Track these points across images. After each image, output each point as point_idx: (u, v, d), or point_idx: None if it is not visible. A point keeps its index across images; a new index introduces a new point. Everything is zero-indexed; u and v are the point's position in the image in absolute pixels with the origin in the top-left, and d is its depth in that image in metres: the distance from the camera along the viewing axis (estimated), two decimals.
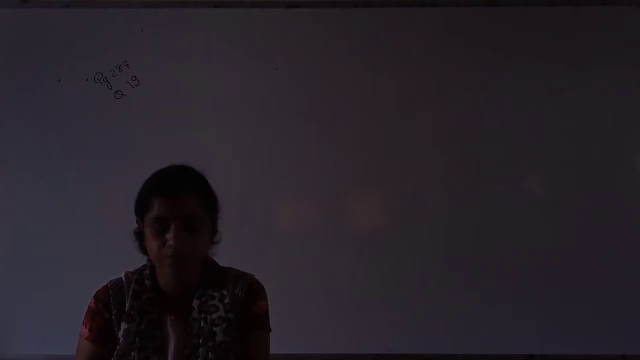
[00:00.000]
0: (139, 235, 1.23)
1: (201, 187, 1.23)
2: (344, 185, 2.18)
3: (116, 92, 2.19)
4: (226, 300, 1.22)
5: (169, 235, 1.15)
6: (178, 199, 1.17)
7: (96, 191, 2.12)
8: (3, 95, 2.21)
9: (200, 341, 1.18)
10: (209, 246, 1.26)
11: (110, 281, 1.28)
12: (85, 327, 1.24)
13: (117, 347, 1.18)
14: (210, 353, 1.17)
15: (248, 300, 1.25)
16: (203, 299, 1.22)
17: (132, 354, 1.17)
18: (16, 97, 2.20)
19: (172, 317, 1.22)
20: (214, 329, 1.18)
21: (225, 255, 2.21)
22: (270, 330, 1.29)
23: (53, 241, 2.13)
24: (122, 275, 1.28)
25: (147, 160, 2.16)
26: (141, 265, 1.29)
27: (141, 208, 1.21)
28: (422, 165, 2.18)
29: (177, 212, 1.16)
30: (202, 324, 1.19)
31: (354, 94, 2.19)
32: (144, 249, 1.23)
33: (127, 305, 1.21)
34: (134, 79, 2.19)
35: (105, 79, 2.19)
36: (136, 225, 1.25)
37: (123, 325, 1.19)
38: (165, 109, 2.18)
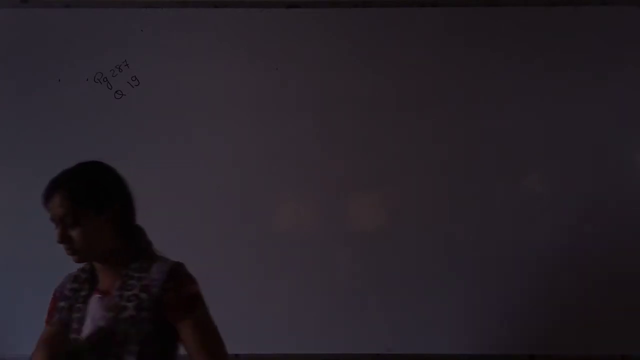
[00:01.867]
0: None
1: (70, 186, 1.33)
2: (344, 185, 2.18)
3: (116, 92, 2.19)
4: (144, 282, 1.32)
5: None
6: (49, 203, 1.33)
7: None
8: (3, 95, 2.21)
9: (112, 314, 1.31)
10: (103, 236, 1.34)
11: None
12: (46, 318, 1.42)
13: (52, 321, 1.37)
14: (118, 325, 1.29)
15: (170, 285, 1.33)
16: (124, 278, 1.34)
17: None
18: (16, 97, 2.20)
19: (99, 295, 1.36)
20: (127, 304, 1.31)
21: (225, 255, 2.22)
22: (204, 310, 1.36)
23: (53, 241, 2.12)
24: None
25: (147, 160, 2.19)
26: None
27: None
28: (422, 165, 2.18)
29: (52, 214, 1.33)
30: (117, 300, 1.31)
31: (354, 94, 2.19)
32: None
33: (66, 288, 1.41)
34: (134, 79, 2.20)
35: (105, 79, 2.19)
36: None
37: (60, 304, 1.39)
38: (165, 109, 2.19)
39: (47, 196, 1.34)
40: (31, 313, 2.13)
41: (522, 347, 2.14)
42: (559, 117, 2.18)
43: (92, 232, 1.33)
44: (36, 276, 2.14)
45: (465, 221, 2.16)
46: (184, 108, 2.18)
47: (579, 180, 2.17)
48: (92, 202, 1.33)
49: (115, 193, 1.38)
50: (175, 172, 2.17)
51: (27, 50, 2.22)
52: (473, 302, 2.13)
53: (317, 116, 2.19)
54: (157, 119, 2.18)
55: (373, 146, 2.18)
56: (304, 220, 2.19)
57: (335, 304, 2.14)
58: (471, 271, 2.14)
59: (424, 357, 2.13)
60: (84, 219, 1.32)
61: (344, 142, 2.19)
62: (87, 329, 1.33)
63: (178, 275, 1.36)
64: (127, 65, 2.20)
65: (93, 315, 1.34)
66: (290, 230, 2.18)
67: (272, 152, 2.18)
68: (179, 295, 1.33)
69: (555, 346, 2.13)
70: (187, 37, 2.20)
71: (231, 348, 2.13)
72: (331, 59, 2.20)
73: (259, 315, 2.11)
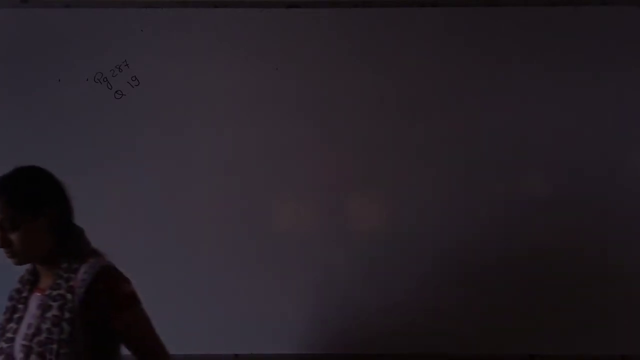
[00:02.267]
0: None
1: (8, 192, 1.37)
2: (344, 185, 2.18)
3: (116, 92, 2.19)
4: (70, 283, 1.36)
5: None
6: None
7: (96, 191, 2.12)
8: (3, 95, 2.21)
9: (39, 312, 1.36)
10: (41, 239, 1.39)
11: None
12: None
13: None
14: (43, 324, 1.34)
15: (100, 286, 1.37)
16: (55, 278, 1.39)
17: (9, 325, 1.41)
18: (16, 97, 2.20)
19: (38, 294, 1.41)
20: (52, 303, 1.35)
21: (225, 255, 2.21)
22: (140, 309, 1.41)
23: None
24: None
25: (147, 160, 2.19)
26: None
27: None
28: (422, 165, 2.18)
29: None
30: (46, 299, 1.37)
31: (354, 94, 2.19)
32: None
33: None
34: (134, 79, 2.19)
35: (105, 79, 2.19)
36: None
37: (7, 304, 1.45)
38: (165, 109, 2.19)
39: None
40: None
41: (522, 347, 2.14)
42: (559, 117, 2.18)
43: (30, 235, 1.37)
44: None
45: (464, 221, 2.16)
46: (184, 108, 2.19)
47: (578, 181, 2.17)
48: (30, 207, 1.37)
49: (52, 197, 1.43)
50: (175, 172, 2.17)
51: (27, 50, 2.22)
52: (473, 301, 2.13)
53: (317, 116, 2.19)
54: (157, 119, 2.19)
55: (373, 146, 2.18)
56: (304, 220, 2.19)
57: (335, 304, 2.14)
58: (471, 271, 2.14)
59: (424, 357, 2.14)
60: (22, 223, 1.36)
61: (344, 142, 2.19)
62: (24, 328, 1.38)
63: (108, 276, 1.39)
64: (127, 65, 2.20)
65: (29, 314, 1.40)
66: (290, 230, 2.18)
67: (272, 152, 2.18)
68: (112, 295, 1.37)
69: (555, 346, 2.13)
70: (187, 37, 2.20)
71: (231, 348, 2.14)
72: (331, 59, 2.20)
73: (259, 315, 2.11)
